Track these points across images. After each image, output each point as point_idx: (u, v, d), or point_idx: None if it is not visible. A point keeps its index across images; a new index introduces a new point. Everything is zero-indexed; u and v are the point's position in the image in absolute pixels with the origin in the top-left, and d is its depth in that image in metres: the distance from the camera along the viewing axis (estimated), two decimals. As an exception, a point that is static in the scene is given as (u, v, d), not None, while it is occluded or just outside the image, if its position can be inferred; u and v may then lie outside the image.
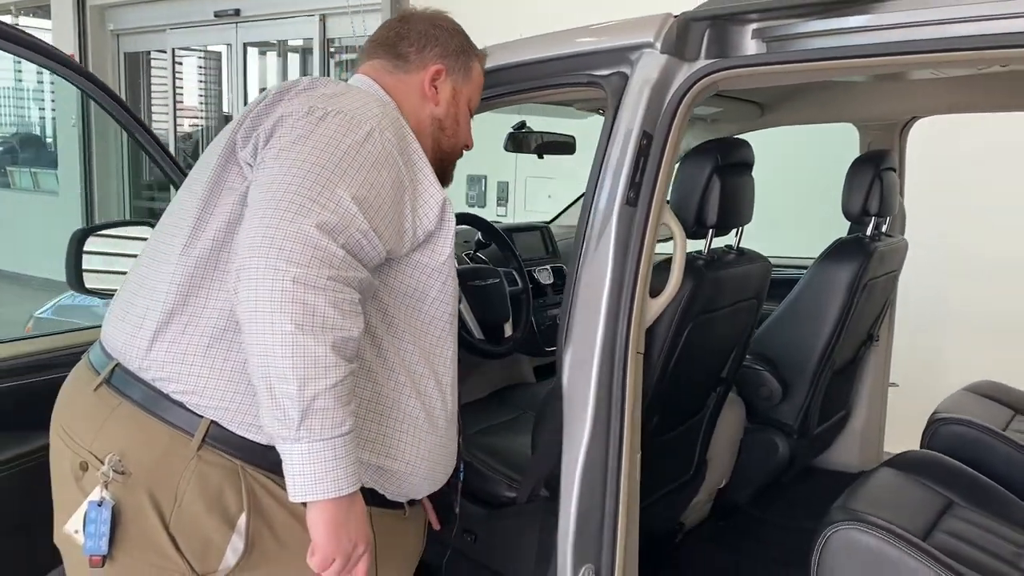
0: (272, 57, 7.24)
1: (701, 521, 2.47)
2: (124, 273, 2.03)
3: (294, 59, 7.16)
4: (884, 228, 2.49)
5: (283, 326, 1.06)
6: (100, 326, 1.48)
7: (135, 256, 2.01)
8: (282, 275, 1.07)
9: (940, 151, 3.34)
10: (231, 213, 1.22)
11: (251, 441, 1.20)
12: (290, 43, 7.16)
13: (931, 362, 3.56)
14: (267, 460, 1.19)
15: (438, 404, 1.34)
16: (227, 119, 7.73)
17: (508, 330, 2.25)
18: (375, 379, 1.26)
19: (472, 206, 5.55)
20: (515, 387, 2.57)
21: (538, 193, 5.25)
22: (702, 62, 1.51)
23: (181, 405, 1.20)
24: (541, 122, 2.66)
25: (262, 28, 6.97)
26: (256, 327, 1.07)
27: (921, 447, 2.23)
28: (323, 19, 6.45)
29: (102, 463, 1.18)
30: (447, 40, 1.49)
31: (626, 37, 1.56)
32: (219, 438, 1.19)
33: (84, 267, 1.97)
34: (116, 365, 1.25)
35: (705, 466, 2.20)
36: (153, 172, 8.00)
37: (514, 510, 1.92)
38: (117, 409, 1.22)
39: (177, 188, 1.93)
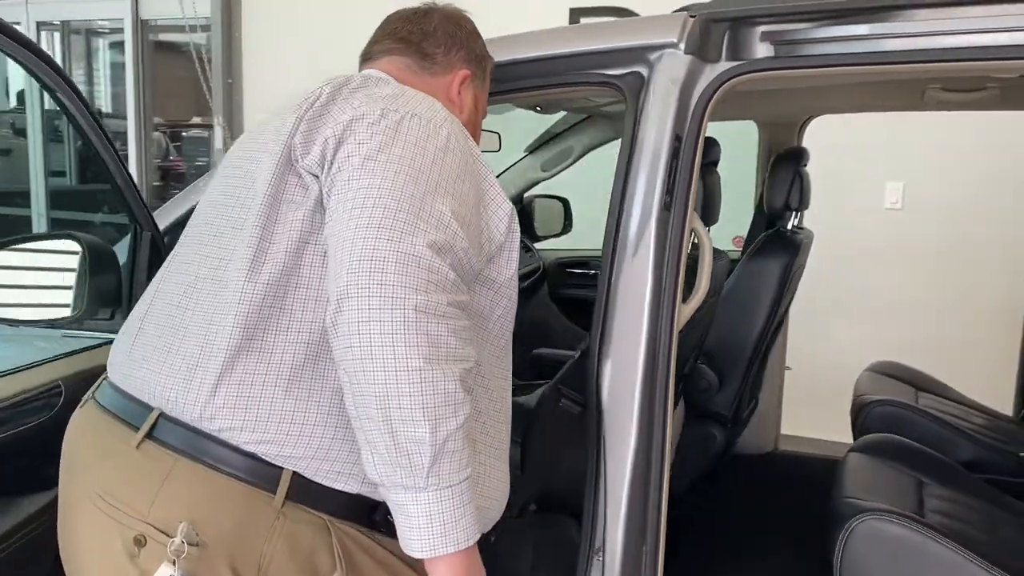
0: (76, 41, 6.56)
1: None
2: (44, 298, 1.77)
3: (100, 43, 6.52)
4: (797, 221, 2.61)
5: (409, 361, 0.93)
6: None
7: (59, 272, 1.75)
8: (402, 303, 0.94)
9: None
10: (301, 230, 1.06)
11: (339, 491, 1.05)
12: (95, 24, 6.52)
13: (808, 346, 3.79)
14: (355, 512, 1.07)
15: (504, 428, 1.25)
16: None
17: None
18: None
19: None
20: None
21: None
22: (725, 64, 1.50)
23: (253, 456, 1.03)
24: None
25: (60, 6, 6.27)
26: (372, 364, 0.94)
27: (854, 428, 2.36)
28: (136, -2, 5.92)
29: (167, 535, 0.99)
30: (472, 43, 1.39)
31: (646, 36, 1.52)
32: (303, 491, 1.04)
33: (-10, 290, 1.68)
34: (160, 415, 1.06)
35: (663, 463, 2.21)
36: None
37: (502, 525, 1.84)
38: (176, 468, 1.03)
39: (111, 177, 1.66)
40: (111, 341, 1.72)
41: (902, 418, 2.27)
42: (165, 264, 1.22)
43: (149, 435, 1.05)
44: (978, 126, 3.66)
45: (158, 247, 1.75)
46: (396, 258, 0.95)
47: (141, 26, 5.99)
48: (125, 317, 1.74)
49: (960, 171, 3.92)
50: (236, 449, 1.03)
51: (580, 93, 1.63)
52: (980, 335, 3.82)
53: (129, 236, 1.72)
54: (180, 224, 1.83)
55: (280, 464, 1.03)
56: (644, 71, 1.52)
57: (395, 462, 0.95)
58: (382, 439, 0.95)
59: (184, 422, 1.04)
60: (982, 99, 2.37)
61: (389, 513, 1.06)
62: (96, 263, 1.71)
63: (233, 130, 5.42)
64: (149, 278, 1.75)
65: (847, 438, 3.21)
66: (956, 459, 2.13)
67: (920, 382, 2.61)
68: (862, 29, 1.47)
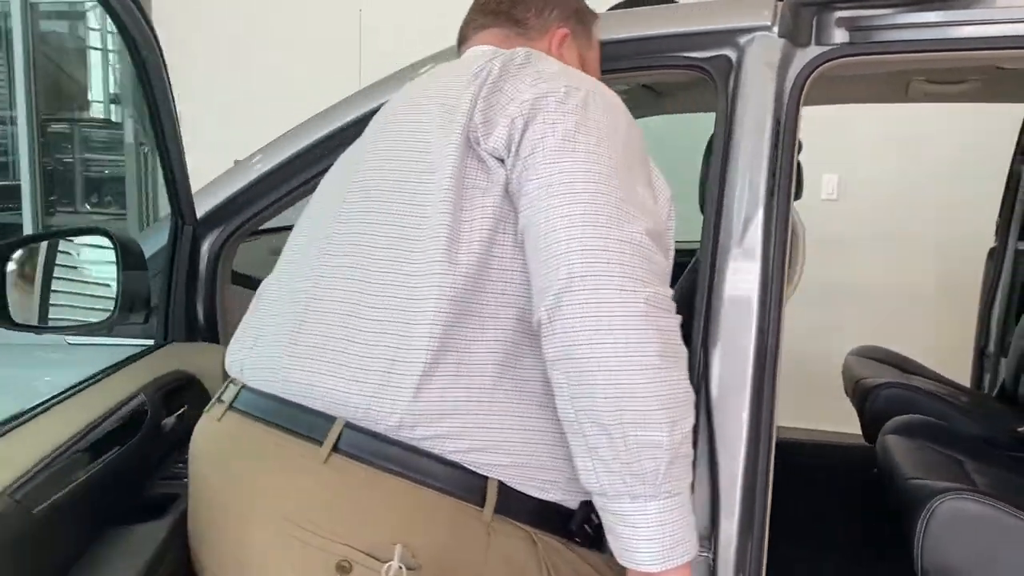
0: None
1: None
2: (75, 300, 1.58)
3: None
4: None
5: (646, 359, 0.87)
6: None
7: (90, 271, 1.57)
8: (633, 296, 0.88)
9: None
10: (494, 218, 0.97)
11: (539, 500, 0.98)
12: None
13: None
14: (554, 522, 1.00)
15: None
16: None
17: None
18: None
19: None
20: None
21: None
22: (815, 48, 1.49)
23: (455, 465, 0.94)
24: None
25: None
26: (602, 363, 0.87)
27: (860, 412, 2.42)
28: (23, -22, 5.47)
29: (375, 559, 0.89)
30: (564, 1, 1.31)
31: (737, 19, 1.50)
32: (508, 502, 0.96)
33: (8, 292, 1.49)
34: (345, 425, 0.95)
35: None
36: None
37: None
38: (374, 484, 0.93)
39: (167, 157, 1.48)
40: (155, 347, 1.57)
41: (909, 399, 2.33)
42: (307, 255, 1.08)
43: (335, 448, 0.94)
44: (909, 119, 3.84)
45: (198, 243, 1.59)
46: (619, 247, 0.89)
47: (30, 10, 5.54)
48: (165, 319, 1.58)
49: (892, 162, 4.11)
50: (438, 459, 0.93)
51: (660, 77, 1.59)
52: (917, 319, 4.02)
53: (170, 230, 1.56)
54: (212, 216, 1.68)
55: (485, 473, 0.94)
56: (732, 54, 1.50)
57: (625, 469, 0.88)
58: (610, 445, 0.88)
59: (376, 432, 0.93)
60: (964, 91, 2.47)
61: (587, 522, 1.00)
62: (128, 261, 1.55)
63: (144, 124, 5.09)
64: (189, 275, 1.60)
65: (804, 423, 3.31)
66: (964, 437, 2.21)
67: (905, 364, 2.71)
68: (940, 16, 1.50)
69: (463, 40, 1.31)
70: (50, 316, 1.53)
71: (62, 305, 1.56)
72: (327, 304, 1.01)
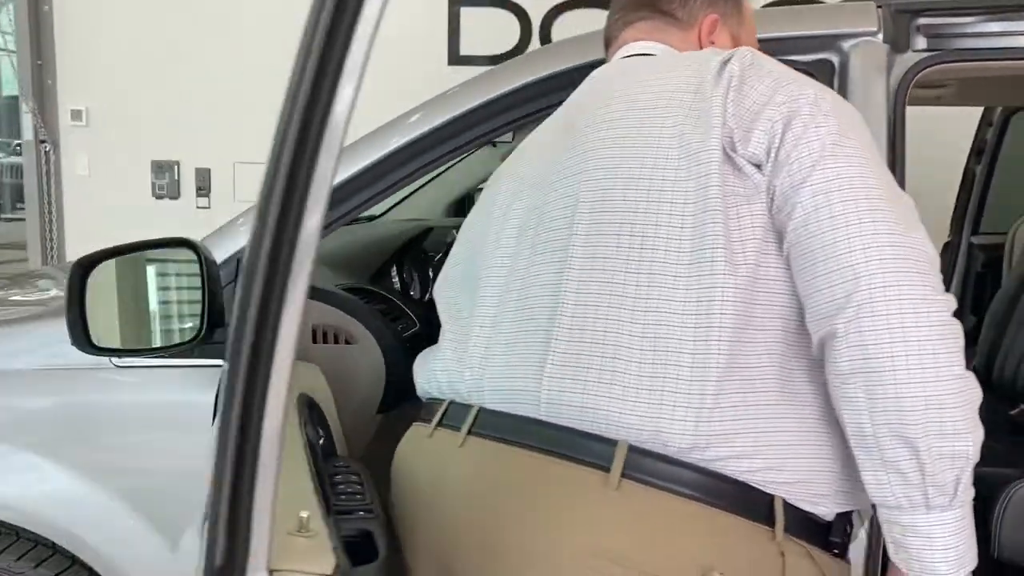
0: None
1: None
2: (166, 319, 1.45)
3: None
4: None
5: (953, 369, 0.87)
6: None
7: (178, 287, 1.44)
8: (936, 305, 0.88)
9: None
10: (763, 227, 0.94)
11: (810, 515, 0.95)
12: None
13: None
14: (818, 535, 0.98)
15: None
16: None
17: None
18: None
19: (162, 198, 4.73)
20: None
21: (251, 181, 4.65)
22: (914, 54, 1.53)
23: (744, 485, 0.91)
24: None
25: None
26: (912, 375, 0.86)
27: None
28: None
29: None
30: None
31: (842, 24, 1.52)
32: (790, 519, 0.93)
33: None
34: (628, 449, 0.89)
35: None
36: None
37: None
38: (672, 509, 0.88)
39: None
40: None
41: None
42: (530, 267, 1.01)
43: (623, 474, 0.88)
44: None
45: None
46: (915, 255, 0.89)
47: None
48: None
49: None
50: (728, 479, 0.90)
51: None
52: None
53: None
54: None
55: (771, 492, 0.91)
56: (835, 58, 1.52)
57: (927, 481, 0.87)
58: (913, 457, 0.86)
59: (665, 454, 0.89)
60: (941, 95, 2.61)
61: (844, 534, 0.99)
62: (212, 275, 1.42)
63: (45, 118, 4.69)
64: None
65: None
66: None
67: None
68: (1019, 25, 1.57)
69: (610, 41, 1.26)
70: (154, 336, 1.39)
71: (161, 323, 1.41)
72: (582, 320, 0.95)
